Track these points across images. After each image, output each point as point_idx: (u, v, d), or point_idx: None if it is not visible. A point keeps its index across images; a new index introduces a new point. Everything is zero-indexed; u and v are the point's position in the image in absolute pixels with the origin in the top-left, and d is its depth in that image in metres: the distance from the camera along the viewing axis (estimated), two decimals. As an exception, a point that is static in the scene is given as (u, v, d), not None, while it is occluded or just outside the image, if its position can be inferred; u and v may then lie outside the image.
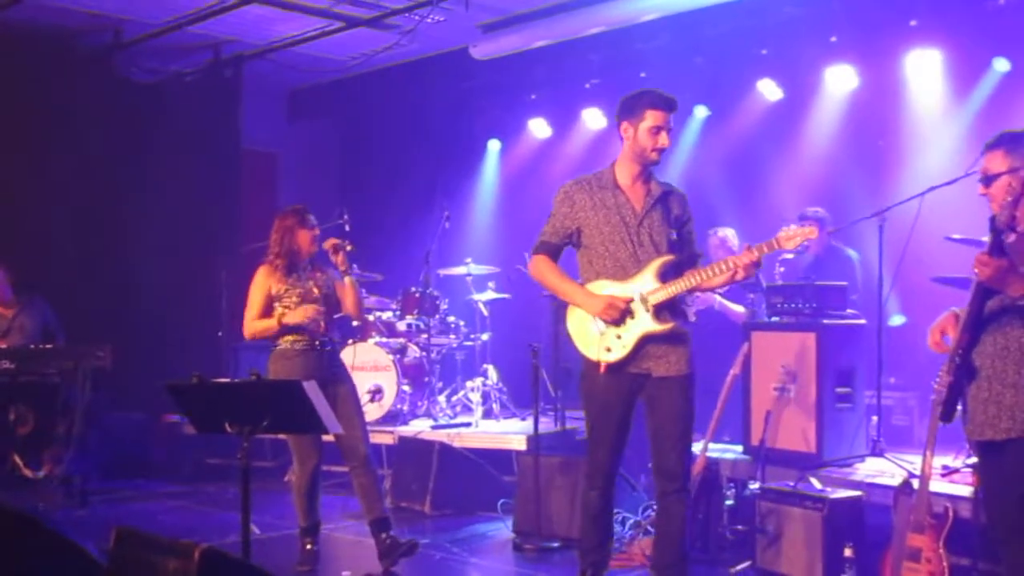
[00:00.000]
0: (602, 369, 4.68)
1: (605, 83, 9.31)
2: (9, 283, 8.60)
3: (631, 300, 4.64)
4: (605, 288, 4.70)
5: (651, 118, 4.64)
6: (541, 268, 4.85)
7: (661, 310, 4.65)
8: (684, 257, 4.78)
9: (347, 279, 5.92)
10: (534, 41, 9.07)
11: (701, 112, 9.33)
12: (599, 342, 4.69)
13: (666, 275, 4.66)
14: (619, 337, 4.67)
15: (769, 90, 8.71)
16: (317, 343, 5.84)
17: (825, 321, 6.30)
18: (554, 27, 8.84)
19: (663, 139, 4.66)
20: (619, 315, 4.62)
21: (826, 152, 8.54)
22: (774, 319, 6.59)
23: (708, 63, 8.63)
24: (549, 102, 10.06)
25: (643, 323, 4.64)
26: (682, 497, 4.74)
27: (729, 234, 7.88)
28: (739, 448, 6.63)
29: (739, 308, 7.65)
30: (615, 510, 6.26)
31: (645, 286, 4.65)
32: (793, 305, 6.45)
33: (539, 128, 10.35)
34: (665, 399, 4.69)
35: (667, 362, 4.68)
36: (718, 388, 6.21)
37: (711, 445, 6.18)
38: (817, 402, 6.14)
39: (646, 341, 4.65)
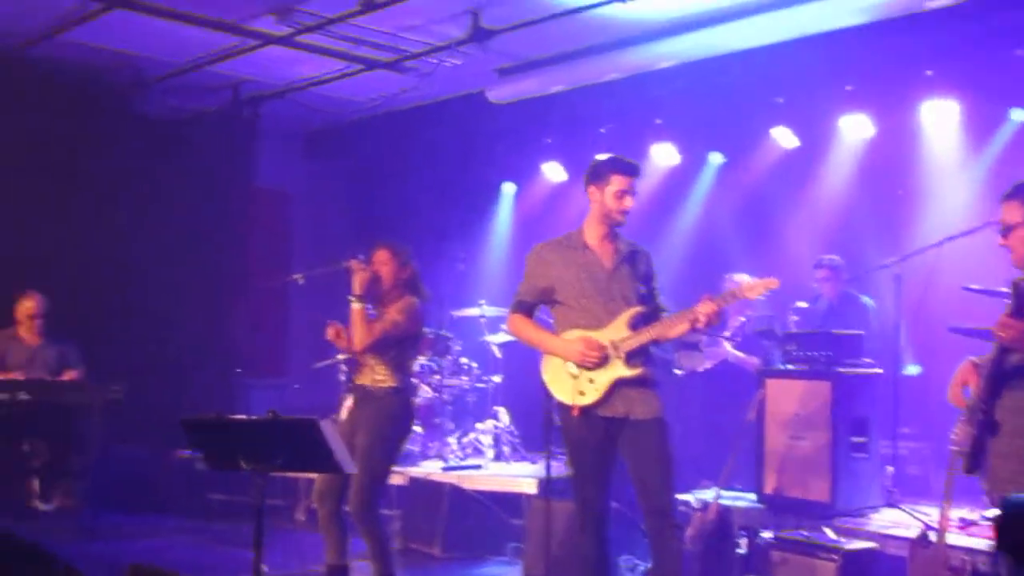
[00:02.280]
0: (575, 412, 4.82)
1: (620, 128, 9.34)
2: (42, 314, 8.56)
3: (605, 347, 4.79)
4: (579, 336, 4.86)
5: (616, 183, 4.88)
6: (518, 325, 5.09)
7: (632, 356, 4.80)
8: (652, 309, 4.95)
9: (352, 305, 5.55)
10: (551, 86, 9.10)
11: (716, 159, 9.37)
12: (572, 386, 4.83)
13: (636, 325, 4.85)
14: (591, 381, 4.82)
15: (784, 138, 8.73)
16: (352, 387, 5.82)
17: (840, 370, 6.28)
18: (571, 72, 8.88)
19: (627, 202, 4.91)
20: (597, 358, 4.76)
21: (842, 200, 8.54)
22: (789, 367, 6.57)
23: (723, 110, 8.65)
24: (564, 146, 10.07)
25: (615, 368, 4.80)
26: (675, 532, 4.83)
27: (744, 280, 7.86)
28: (752, 496, 6.59)
29: (752, 359, 7.63)
30: (626, 556, 6.27)
31: (617, 334, 4.81)
32: (808, 353, 6.45)
33: (553, 172, 10.37)
34: (644, 441, 4.81)
35: (644, 405, 4.82)
36: (732, 435, 6.18)
37: (724, 493, 6.14)
38: (831, 451, 6.11)
39: (618, 385, 4.80)
